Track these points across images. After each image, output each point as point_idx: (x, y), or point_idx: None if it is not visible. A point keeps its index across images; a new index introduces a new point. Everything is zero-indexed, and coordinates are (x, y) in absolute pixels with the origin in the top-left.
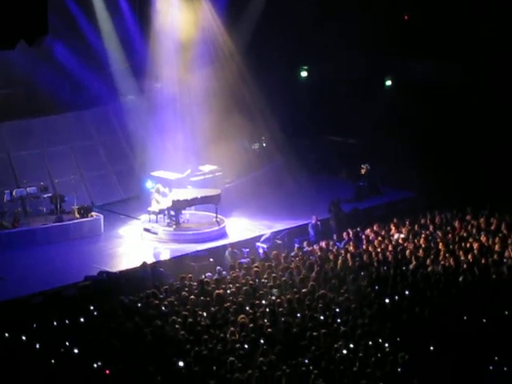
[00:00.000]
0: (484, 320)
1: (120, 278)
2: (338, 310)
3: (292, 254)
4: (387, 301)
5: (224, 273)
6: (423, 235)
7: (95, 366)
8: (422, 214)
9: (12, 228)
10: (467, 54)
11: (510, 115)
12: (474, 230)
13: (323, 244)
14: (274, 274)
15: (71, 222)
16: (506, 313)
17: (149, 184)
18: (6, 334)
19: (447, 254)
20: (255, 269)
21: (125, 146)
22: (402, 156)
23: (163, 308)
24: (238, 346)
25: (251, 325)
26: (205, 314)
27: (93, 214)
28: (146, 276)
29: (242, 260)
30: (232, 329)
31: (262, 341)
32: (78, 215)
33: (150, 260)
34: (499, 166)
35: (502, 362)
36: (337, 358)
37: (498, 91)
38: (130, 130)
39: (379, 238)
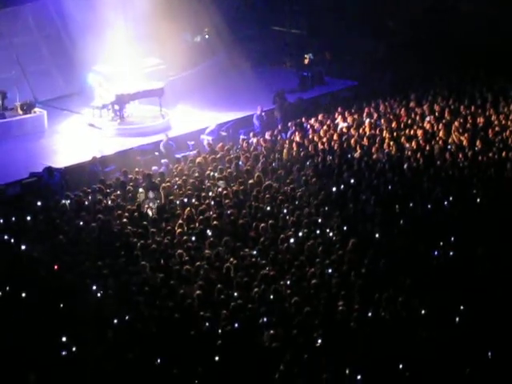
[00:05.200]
0: (429, 206)
1: (66, 173)
2: (284, 200)
3: (237, 145)
4: (333, 189)
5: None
6: (368, 123)
7: (43, 261)
8: (366, 102)
9: None
10: None
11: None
12: (418, 118)
13: (268, 135)
14: (219, 166)
15: (14, 118)
16: (451, 198)
17: (91, 78)
18: None
19: (391, 142)
20: (200, 161)
21: (66, 40)
22: (345, 45)
23: (109, 203)
24: (185, 238)
25: (199, 217)
26: (152, 206)
27: (36, 110)
28: (96, 170)
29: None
30: (179, 221)
31: (209, 233)
32: (20, 112)
33: (97, 155)
34: (441, 51)
35: (446, 246)
36: (284, 247)
37: None
38: (71, 24)
39: (324, 128)
